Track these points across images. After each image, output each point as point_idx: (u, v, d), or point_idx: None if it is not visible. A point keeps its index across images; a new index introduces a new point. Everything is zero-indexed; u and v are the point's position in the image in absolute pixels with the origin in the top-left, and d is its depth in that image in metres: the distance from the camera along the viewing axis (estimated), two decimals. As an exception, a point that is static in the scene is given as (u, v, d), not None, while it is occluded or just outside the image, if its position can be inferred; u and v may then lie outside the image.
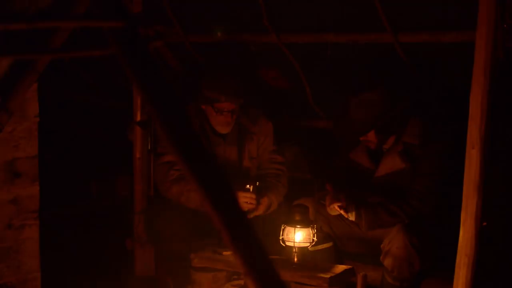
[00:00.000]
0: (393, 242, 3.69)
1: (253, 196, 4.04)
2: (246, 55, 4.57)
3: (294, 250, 3.69)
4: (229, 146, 4.27)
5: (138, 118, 4.31)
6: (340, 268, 3.69)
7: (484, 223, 2.94)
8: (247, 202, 4.03)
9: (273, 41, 4.30)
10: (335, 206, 3.82)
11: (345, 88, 3.94)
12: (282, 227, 3.73)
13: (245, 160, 4.30)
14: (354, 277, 3.67)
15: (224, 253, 3.79)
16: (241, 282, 3.83)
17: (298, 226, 3.70)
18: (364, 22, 4.01)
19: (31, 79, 3.02)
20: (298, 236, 3.69)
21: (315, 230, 3.72)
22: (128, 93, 4.35)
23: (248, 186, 4.07)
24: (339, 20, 4.07)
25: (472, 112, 2.88)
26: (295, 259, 3.69)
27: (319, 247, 3.82)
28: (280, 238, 3.72)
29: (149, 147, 4.21)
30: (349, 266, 3.73)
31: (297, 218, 3.73)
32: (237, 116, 4.21)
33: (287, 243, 3.71)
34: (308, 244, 3.70)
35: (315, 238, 3.70)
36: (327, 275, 3.57)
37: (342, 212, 3.83)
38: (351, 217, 3.83)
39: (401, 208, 3.80)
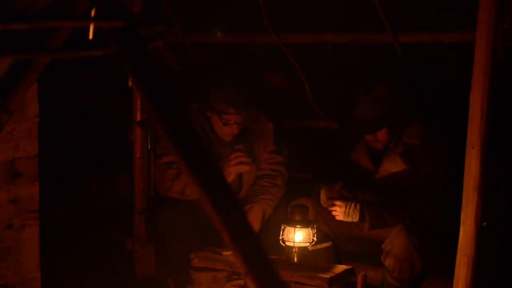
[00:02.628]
0: (395, 242, 3.69)
1: (244, 155, 4.08)
2: (246, 56, 4.57)
3: (294, 250, 3.69)
4: (229, 147, 4.27)
5: (138, 118, 4.32)
6: (340, 268, 3.69)
7: (484, 223, 2.94)
8: (242, 162, 4.06)
9: (273, 41, 4.30)
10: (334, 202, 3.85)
11: (349, 87, 3.95)
12: (282, 227, 3.73)
13: (245, 160, 4.30)
14: (354, 277, 3.67)
15: (224, 253, 3.79)
16: (241, 282, 3.83)
17: (298, 226, 3.70)
18: (364, 22, 4.01)
19: (31, 79, 3.02)
20: (298, 236, 3.69)
21: (315, 230, 3.72)
22: (128, 93, 4.35)
23: (238, 146, 4.11)
24: (339, 20, 4.07)
25: (472, 112, 2.89)
26: (295, 259, 3.69)
27: (318, 246, 3.82)
28: (280, 238, 3.72)
29: (149, 147, 4.21)
30: (349, 266, 3.73)
31: (297, 218, 3.73)
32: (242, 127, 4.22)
33: (287, 243, 3.71)
34: (308, 244, 3.70)
35: (315, 238, 3.70)
36: (327, 275, 3.57)
37: (338, 207, 3.85)
38: (355, 218, 3.83)
39: (402, 209, 3.81)
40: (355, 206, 3.83)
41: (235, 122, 4.15)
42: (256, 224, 4.09)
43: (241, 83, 4.19)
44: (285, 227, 3.73)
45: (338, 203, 3.86)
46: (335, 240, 4.00)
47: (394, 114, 3.79)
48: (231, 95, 4.10)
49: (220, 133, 4.21)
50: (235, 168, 4.10)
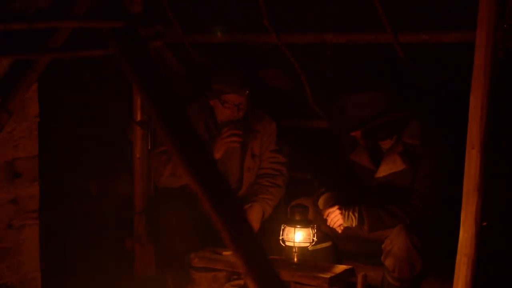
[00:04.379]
0: (395, 242, 3.69)
1: (236, 127, 4.14)
2: (246, 56, 4.57)
3: (294, 250, 3.69)
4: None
5: (138, 118, 4.33)
6: (340, 268, 3.69)
7: (484, 223, 2.94)
8: (234, 134, 4.12)
9: (273, 41, 4.30)
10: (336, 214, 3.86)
11: (342, 87, 3.95)
12: (282, 227, 3.73)
13: (247, 158, 4.31)
14: (354, 277, 3.67)
15: (224, 253, 3.79)
16: (241, 282, 3.83)
17: (298, 226, 3.70)
18: (364, 22, 4.01)
19: (31, 79, 3.03)
20: (298, 236, 3.69)
21: (315, 230, 3.72)
22: (128, 93, 4.35)
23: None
24: (339, 20, 4.07)
25: (472, 112, 2.89)
26: (295, 259, 3.69)
27: (318, 246, 3.82)
28: (280, 238, 3.72)
29: (149, 147, 4.22)
30: (349, 266, 3.73)
31: (297, 218, 3.73)
32: (244, 113, 4.23)
33: (287, 243, 3.71)
34: (308, 244, 3.70)
35: (315, 238, 3.70)
36: (327, 275, 3.57)
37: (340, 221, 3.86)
38: (354, 222, 3.83)
39: (402, 209, 3.81)
40: (353, 210, 3.84)
41: (235, 104, 4.17)
42: (255, 224, 4.09)
43: (239, 65, 4.23)
44: (285, 227, 3.72)
45: (332, 210, 3.87)
46: (335, 240, 4.00)
47: (370, 123, 3.80)
48: (229, 75, 4.19)
49: (222, 119, 4.22)
50: (226, 142, 4.11)
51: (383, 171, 3.93)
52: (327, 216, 3.89)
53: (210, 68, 4.44)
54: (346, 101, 3.84)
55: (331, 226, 3.88)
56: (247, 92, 4.19)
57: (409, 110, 3.91)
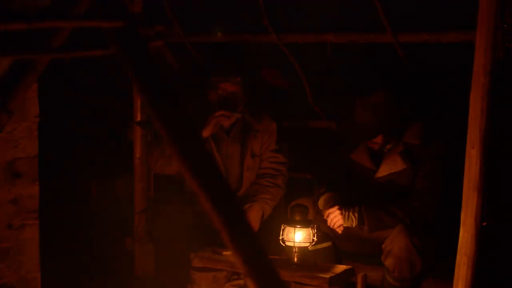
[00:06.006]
0: (395, 242, 3.69)
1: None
2: (246, 56, 4.57)
3: (294, 250, 3.69)
4: (232, 142, 4.29)
5: (138, 118, 4.32)
6: (340, 268, 3.69)
7: (484, 223, 2.94)
8: (223, 115, 4.14)
9: (273, 41, 4.30)
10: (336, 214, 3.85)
11: (348, 89, 3.95)
12: (282, 227, 3.73)
13: (247, 157, 4.31)
14: (354, 277, 3.67)
15: (224, 253, 3.79)
16: (241, 282, 3.83)
17: (298, 226, 3.70)
18: (364, 22, 4.01)
19: (31, 79, 3.02)
20: (298, 236, 3.69)
21: (315, 230, 3.72)
22: (128, 93, 4.35)
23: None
24: (339, 20, 4.07)
25: (472, 112, 2.89)
26: (295, 259, 3.69)
27: (318, 246, 3.82)
28: (280, 238, 3.72)
29: (149, 139, 4.26)
30: (349, 266, 3.73)
31: (297, 218, 3.73)
32: (241, 107, 4.23)
33: (287, 243, 3.71)
34: (308, 244, 3.70)
35: (315, 238, 3.70)
36: (327, 275, 3.57)
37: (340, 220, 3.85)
38: (354, 222, 3.83)
39: (402, 210, 3.81)
40: (353, 211, 3.84)
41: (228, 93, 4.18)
42: (255, 224, 4.10)
43: (241, 65, 4.28)
44: (285, 227, 3.72)
45: (332, 210, 3.87)
46: (335, 240, 4.00)
47: (389, 122, 3.79)
48: (224, 65, 4.25)
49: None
50: (215, 117, 4.14)
51: (383, 171, 3.93)
52: (327, 216, 3.89)
53: (210, 67, 4.45)
54: (358, 105, 3.81)
55: (331, 226, 3.88)
56: (239, 79, 4.19)
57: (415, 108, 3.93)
